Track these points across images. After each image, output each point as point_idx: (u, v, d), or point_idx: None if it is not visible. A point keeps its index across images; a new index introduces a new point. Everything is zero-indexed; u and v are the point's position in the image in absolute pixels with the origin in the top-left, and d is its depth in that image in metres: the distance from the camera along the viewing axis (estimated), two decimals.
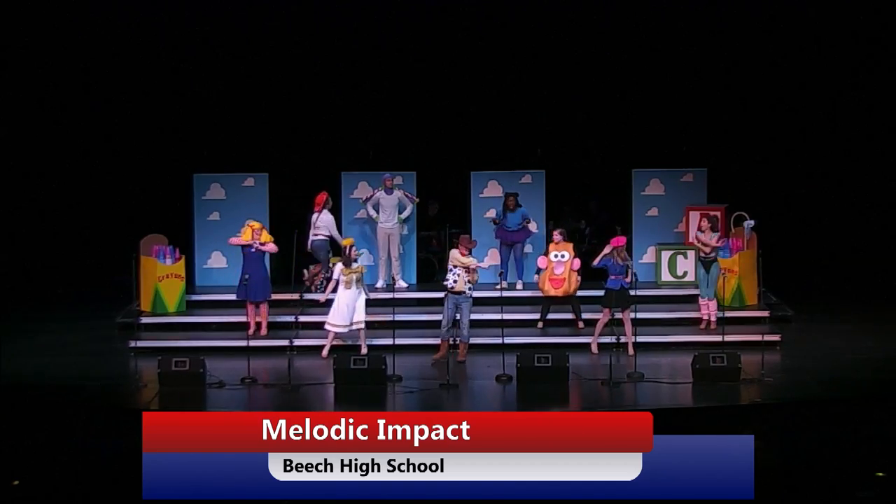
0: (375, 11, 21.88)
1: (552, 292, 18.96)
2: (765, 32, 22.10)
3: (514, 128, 22.42)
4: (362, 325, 18.14)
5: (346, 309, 17.96)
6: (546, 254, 19.08)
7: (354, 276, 18.02)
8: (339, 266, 18.14)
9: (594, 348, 18.27)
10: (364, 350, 17.98)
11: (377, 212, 19.99)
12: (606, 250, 18.14)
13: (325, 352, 18.16)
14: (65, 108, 22.42)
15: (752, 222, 19.72)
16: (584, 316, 18.96)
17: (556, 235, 19.11)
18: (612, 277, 18.06)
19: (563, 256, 18.96)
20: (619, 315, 18.04)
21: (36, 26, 21.80)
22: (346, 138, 22.31)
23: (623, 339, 18.02)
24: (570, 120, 22.52)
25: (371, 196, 20.07)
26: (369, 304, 18.77)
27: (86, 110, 22.42)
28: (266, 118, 22.35)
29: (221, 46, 22.08)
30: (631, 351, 17.85)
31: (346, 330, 18.07)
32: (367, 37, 22.07)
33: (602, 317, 18.19)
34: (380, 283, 20.13)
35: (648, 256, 20.27)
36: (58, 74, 22.16)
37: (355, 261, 18.10)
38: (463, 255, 17.77)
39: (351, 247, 18.17)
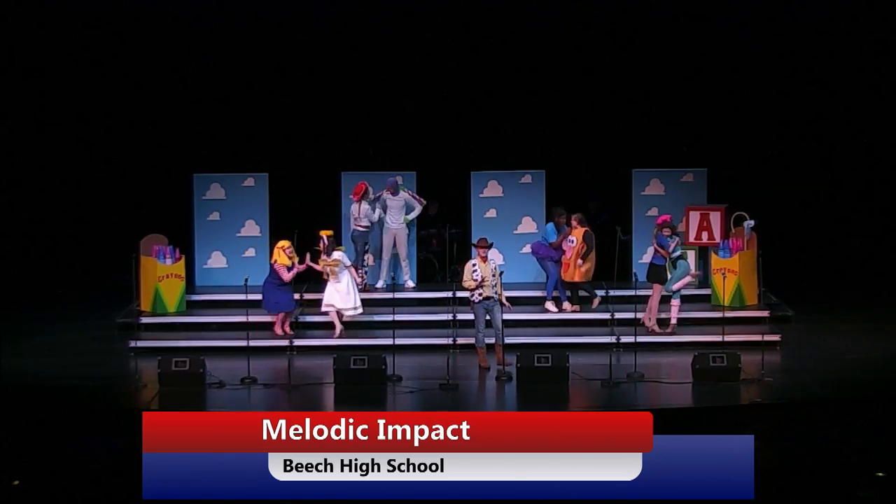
0: (376, 11, 21.88)
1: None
2: (764, 32, 22.09)
3: (514, 128, 22.42)
4: (347, 312, 18.53)
5: (341, 293, 18.36)
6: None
7: (333, 269, 18.37)
8: (323, 257, 18.51)
9: (648, 324, 18.62)
10: (337, 331, 18.42)
11: (384, 213, 20.00)
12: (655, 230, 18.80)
13: (337, 332, 18.58)
14: (65, 108, 22.41)
15: (752, 222, 19.72)
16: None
17: (573, 220, 19.22)
18: (657, 254, 18.59)
19: (571, 242, 19.07)
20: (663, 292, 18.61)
21: (36, 26, 21.80)
22: (346, 138, 22.30)
23: (623, 339, 18.11)
24: (570, 120, 22.50)
25: (378, 197, 20.05)
26: (369, 304, 18.85)
27: (86, 110, 22.41)
28: (266, 118, 22.35)
29: (221, 46, 22.06)
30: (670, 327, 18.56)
31: (347, 309, 18.50)
32: (367, 37, 22.06)
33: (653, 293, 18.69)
34: (380, 284, 20.13)
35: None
36: (58, 74, 22.15)
37: (329, 254, 18.44)
38: (483, 258, 17.47)
39: (328, 237, 18.54)
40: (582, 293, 19.42)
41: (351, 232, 19.87)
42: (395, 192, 19.95)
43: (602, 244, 20.00)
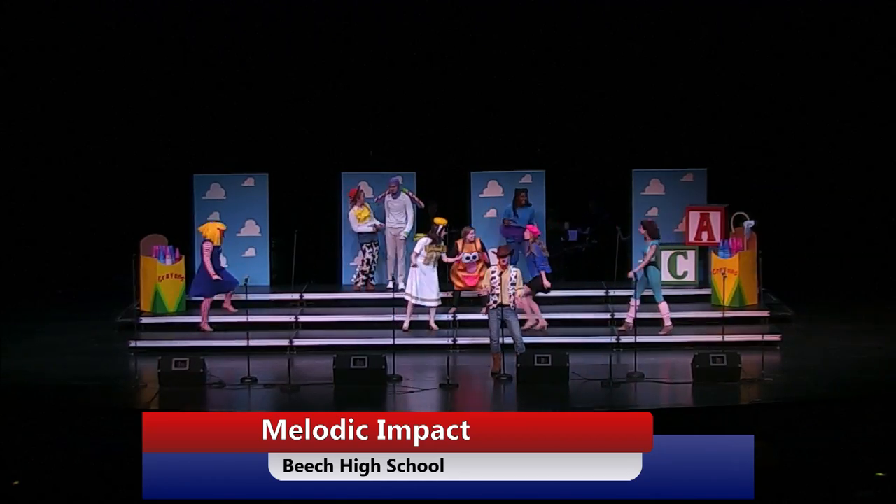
0: (376, 11, 21.88)
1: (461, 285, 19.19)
2: (764, 32, 22.09)
3: (514, 128, 22.42)
4: (434, 304, 18.80)
5: (418, 282, 18.55)
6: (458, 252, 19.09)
7: (435, 255, 18.67)
8: (426, 241, 18.70)
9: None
10: (432, 324, 18.77)
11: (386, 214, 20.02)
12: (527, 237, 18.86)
13: (406, 325, 18.84)
14: (65, 108, 22.41)
15: (752, 222, 19.72)
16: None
17: (470, 234, 19.02)
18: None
19: (474, 257, 18.93)
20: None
21: (36, 26, 21.80)
22: (346, 138, 22.31)
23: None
24: (570, 120, 22.50)
25: (380, 199, 20.05)
26: (370, 304, 18.86)
27: (86, 110, 22.41)
28: (266, 118, 22.35)
29: (221, 46, 22.07)
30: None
31: (413, 300, 18.73)
32: (367, 37, 22.07)
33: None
34: (391, 284, 20.03)
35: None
36: (58, 74, 22.15)
37: (443, 241, 18.76)
38: (503, 266, 17.14)
39: (443, 227, 18.77)
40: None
41: (358, 235, 19.97)
42: (396, 194, 19.93)
43: (602, 244, 19.97)
